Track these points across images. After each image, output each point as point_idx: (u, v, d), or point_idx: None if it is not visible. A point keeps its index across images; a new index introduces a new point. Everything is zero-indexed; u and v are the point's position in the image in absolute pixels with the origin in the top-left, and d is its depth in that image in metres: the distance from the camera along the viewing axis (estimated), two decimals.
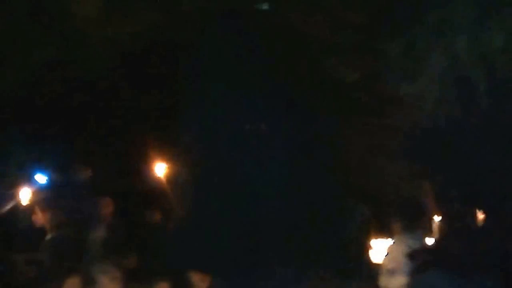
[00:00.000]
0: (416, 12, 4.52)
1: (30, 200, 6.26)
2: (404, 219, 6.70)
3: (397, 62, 4.81)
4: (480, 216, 6.32)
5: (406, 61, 4.76)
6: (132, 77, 6.28)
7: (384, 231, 6.74)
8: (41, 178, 6.87)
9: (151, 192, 6.73)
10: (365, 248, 6.18)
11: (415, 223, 5.92)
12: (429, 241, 6.46)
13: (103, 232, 6.58)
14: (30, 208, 6.24)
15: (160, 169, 6.77)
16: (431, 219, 6.56)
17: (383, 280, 5.71)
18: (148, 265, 6.30)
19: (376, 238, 6.77)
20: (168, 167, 6.65)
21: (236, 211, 3.34)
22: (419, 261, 5.36)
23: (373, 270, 6.03)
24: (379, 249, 6.65)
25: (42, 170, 6.86)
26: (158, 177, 6.71)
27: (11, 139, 6.53)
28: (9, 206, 6.18)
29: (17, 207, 6.22)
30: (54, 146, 6.81)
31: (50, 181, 7.00)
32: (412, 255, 5.66)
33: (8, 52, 6.00)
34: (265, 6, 4.13)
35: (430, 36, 4.54)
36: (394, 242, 5.83)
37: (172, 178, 6.47)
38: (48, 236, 6.40)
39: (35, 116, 6.57)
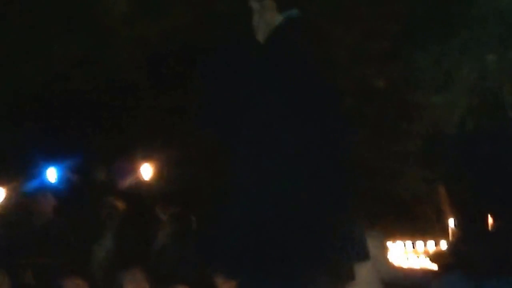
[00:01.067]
0: (449, 27, 4.70)
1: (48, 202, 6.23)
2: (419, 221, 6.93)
3: (428, 72, 4.97)
4: (495, 220, 6.51)
5: (437, 72, 4.92)
6: (158, 77, 6.31)
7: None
8: (53, 176, 6.78)
9: (168, 193, 6.75)
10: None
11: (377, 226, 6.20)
12: (444, 244, 6.67)
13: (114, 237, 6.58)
14: (45, 210, 6.21)
15: (178, 169, 6.82)
16: (446, 223, 6.76)
17: None
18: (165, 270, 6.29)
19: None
20: (186, 167, 6.70)
21: (256, 213, 3.35)
22: (439, 264, 5.53)
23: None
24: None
25: (58, 168, 6.80)
26: (175, 176, 6.75)
27: (32, 134, 6.49)
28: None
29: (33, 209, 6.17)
30: (73, 143, 6.78)
31: (65, 180, 6.95)
32: (431, 258, 5.85)
33: (34, 47, 5.98)
34: (294, 13, 4.18)
35: (461, 50, 4.71)
36: None
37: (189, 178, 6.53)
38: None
39: (55, 112, 6.55)
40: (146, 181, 7.22)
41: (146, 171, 7.26)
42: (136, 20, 5.95)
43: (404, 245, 6.78)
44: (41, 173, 6.69)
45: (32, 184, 6.43)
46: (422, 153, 6.23)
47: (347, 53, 5.71)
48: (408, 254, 6.72)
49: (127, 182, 7.36)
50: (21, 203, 6.19)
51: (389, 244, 6.95)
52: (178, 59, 6.18)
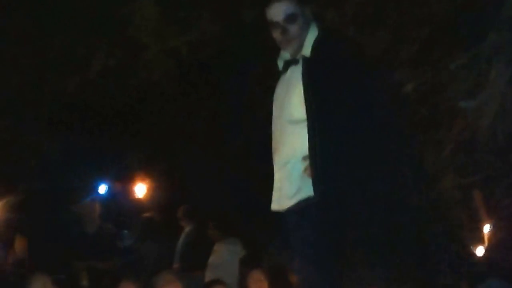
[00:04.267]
0: (480, 30, 4.63)
1: (96, 210, 6.54)
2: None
3: (458, 76, 4.92)
4: None
5: (467, 75, 4.86)
6: (190, 87, 6.45)
7: None
8: (102, 189, 7.12)
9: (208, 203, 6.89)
10: None
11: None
12: (480, 251, 6.56)
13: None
14: (95, 218, 6.50)
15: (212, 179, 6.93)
16: (481, 228, 6.64)
17: None
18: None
19: None
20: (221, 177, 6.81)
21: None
22: (474, 271, 5.47)
23: None
24: None
25: (103, 180, 7.09)
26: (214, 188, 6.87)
27: (72, 148, 6.75)
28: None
29: (83, 216, 6.45)
30: (112, 154, 7.01)
31: (111, 191, 7.26)
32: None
33: (72, 61, 6.23)
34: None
35: (492, 53, 4.64)
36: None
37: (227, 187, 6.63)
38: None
39: (92, 124, 6.78)
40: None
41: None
42: (166, 33, 6.10)
43: None
44: (90, 183, 7.02)
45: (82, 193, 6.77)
46: (457, 159, 6.14)
47: (376, 59, 5.67)
48: None
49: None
50: (72, 211, 6.52)
51: None
52: (207, 69, 6.31)
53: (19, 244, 6.66)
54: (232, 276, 5.87)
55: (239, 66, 5.90)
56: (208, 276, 6.19)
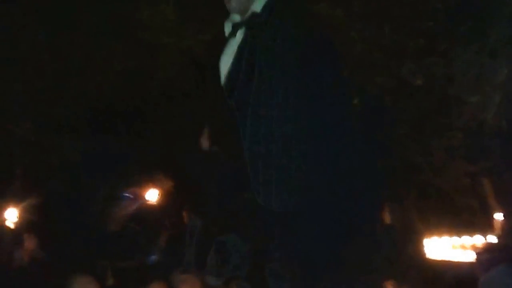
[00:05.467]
0: (483, 26, 4.76)
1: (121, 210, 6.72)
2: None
3: (463, 69, 5.04)
4: None
5: (471, 69, 4.98)
6: (205, 86, 6.61)
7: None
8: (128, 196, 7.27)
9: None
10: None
11: None
12: (492, 238, 6.66)
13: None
14: (119, 217, 6.67)
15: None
16: (493, 216, 6.74)
17: None
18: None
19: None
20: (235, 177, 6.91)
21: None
22: (485, 258, 5.53)
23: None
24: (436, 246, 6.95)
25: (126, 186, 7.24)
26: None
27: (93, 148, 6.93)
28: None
29: (107, 216, 6.63)
30: (133, 154, 7.17)
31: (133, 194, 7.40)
32: (479, 252, 5.86)
33: (91, 64, 6.46)
34: None
35: (494, 48, 4.78)
36: None
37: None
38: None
39: (112, 126, 6.96)
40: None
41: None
42: (182, 33, 6.28)
43: (451, 239, 6.79)
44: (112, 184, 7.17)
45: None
46: (465, 146, 6.27)
47: (382, 52, 5.84)
48: (456, 248, 6.72)
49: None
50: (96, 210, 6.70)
51: (435, 238, 6.99)
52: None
53: (32, 243, 6.78)
54: None
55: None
56: None
